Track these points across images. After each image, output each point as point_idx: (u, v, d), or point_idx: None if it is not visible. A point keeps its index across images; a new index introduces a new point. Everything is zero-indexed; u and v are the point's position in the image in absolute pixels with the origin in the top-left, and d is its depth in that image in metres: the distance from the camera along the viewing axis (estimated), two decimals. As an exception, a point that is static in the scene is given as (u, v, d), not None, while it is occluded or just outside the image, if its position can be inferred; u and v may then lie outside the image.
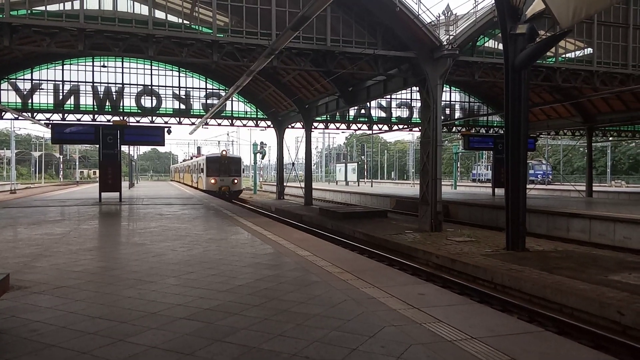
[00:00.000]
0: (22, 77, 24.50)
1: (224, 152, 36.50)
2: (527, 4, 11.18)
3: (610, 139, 39.81)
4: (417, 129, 31.64)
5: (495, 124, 31.95)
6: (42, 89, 24.69)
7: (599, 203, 22.88)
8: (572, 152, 64.85)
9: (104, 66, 25.27)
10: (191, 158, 53.49)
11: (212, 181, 33.59)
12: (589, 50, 18.52)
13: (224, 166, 34.39)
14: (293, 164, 33.05)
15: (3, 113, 24.73)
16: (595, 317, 7.30)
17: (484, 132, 31.71)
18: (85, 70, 25.23)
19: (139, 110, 26.02)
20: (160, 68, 26.46)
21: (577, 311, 7.62)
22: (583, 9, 10.01)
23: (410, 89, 27.41)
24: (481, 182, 56.85)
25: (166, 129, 21.09)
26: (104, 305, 5.10)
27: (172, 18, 14.24)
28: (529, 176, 41.65)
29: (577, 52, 18.89)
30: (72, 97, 25.05)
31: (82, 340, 4.05)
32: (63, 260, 7.48)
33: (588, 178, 29.92)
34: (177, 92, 26.79)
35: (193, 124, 28.20)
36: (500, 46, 14.07)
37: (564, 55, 18.89)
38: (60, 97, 24.86)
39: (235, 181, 34.53)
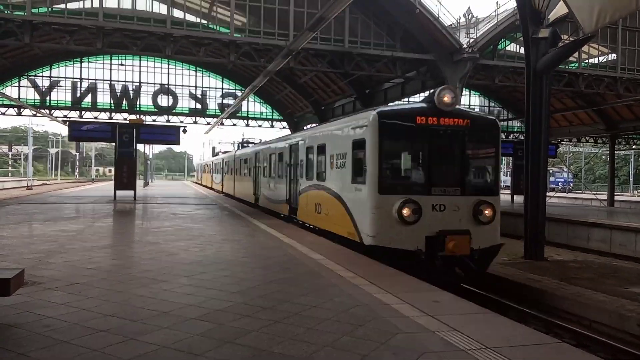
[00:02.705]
0: (40, 74, 24.92)
1: (447, 98, 8.51)
2: (550, 8, 11.01)
3: (634, 147, 39.07)
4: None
5: (515, 130, 31.59)
6: (60, 86, 25.07)
7: (620, 213, 22.44)
8: (594, 160, 63.72)
9: (121, 64, 25.56)
10: (242, 144, 26.79)
11: (405, 212, 8.31)
12: (613, 56, 18.19)
13: (446, 153, 9.14)
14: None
15: (22, 109, 25.13)
16: (614, 329, 7.11)
17: (504, 137, 31.29)
18: (102, 68, 25.58)
19: (155, 109, 26.24)
20: (177, 67, 26.69)
21: (595, 323, 7.43)
22: (607, 13, 9.78)
23: (428, 92, 27.22)
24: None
25: (182, 129, 21.15)
26: (117, 303, 5.08)
27: (190, 17, 14.34)
28: (549, 184, 41.03)
29: (601, 58, 18.57)
30: (90, 95, 25.40)
31: (94, 337, 4.03)
32: (77, 257, 7.50)
33: (610, 187, 29.42)
34: (193, 91, 26.98)
35: (209, 123, 28.35)
36: (522, 50, 13.87)
37: (587, 61, 18.59)
38: (78, 94, 25.22)
39: (487, 212, 8.72)
